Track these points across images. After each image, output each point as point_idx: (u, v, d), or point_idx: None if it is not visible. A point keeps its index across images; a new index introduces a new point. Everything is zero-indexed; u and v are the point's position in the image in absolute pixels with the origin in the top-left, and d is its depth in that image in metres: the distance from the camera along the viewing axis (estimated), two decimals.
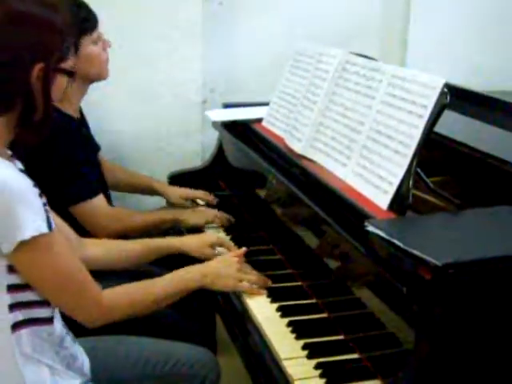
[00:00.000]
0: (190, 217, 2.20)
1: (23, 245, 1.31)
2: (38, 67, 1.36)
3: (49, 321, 1.44)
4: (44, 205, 1.37)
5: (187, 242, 1.93)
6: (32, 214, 1.31)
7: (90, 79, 2.14)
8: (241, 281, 1.74)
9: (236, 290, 1.75)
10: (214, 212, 2.25)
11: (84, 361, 1.58)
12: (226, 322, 1.83)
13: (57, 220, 1.57)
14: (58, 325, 1.49)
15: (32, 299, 1.40)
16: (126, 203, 2.71)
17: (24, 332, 1.39)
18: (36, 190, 1.36)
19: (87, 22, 2.08)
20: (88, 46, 2.08)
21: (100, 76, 2.17)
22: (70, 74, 1.46)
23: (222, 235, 2.14)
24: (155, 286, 1.63)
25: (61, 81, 1.44)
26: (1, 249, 1.32)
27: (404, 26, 3.17)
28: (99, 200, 2.05)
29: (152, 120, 2.88)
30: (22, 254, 1.32)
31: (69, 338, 1.53)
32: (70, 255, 1.44)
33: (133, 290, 1.60)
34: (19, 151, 1.48)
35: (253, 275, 1.78)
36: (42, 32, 1.37)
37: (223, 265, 1.77)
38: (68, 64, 1.45)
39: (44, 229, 1.33)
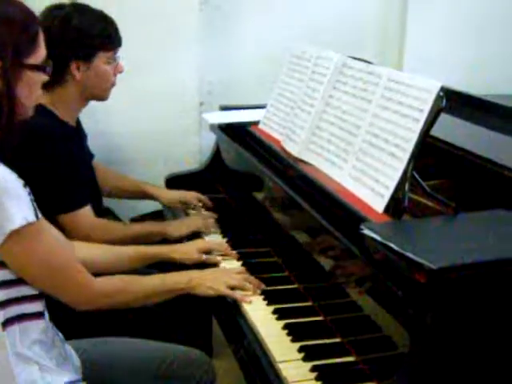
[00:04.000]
0: (176, 229, 2.16)
1: (13, 235, 1.32)
2: None
3: (40, 315, 1.45)
4: (29, 194, 1.37)
5: (176, 249, 1.93)
6: (19, 205, 1.32)
7: (90, 94, 2.12)
8: (231, 288, 1.72)
9: (220, 295, 1.72)
10: (200, 221, 2.22)
11: (74, 361, 1.58)
12: (221, 325, 1.84)
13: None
14: (48, 327, 1.49)
15: (22, 294, 1.41)
16: (122, 207, 2.71)
17: (15, 329, 1.40)
18: (20, 181, 1.36)
19: (108, 38, 2.07)
20: (101, 62, 2.07)
21: (100, 96, 2.15)
22: (42, 68, 1.44)
23: (218, 238, 2.15)
24: (144, 282, 1.66)
25: (32, 77, 1.42)
26: None
27: (401, 29, 3.17)
28: (86, 211, 2.03)
29: (149, 122, 2.88)
30: (12, 244, 1.33)
31: (58, 340, 1.53)
32: (57, 242, 1.47)
33: (124, 281, 1.63)
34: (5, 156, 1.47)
35: (241, 280, 1.76)
36: None
37: (213, 271, 1.80)
38: (38, 58, 1.43)
39: (31, 217, 1.34)
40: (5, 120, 1.38)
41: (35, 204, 1.38)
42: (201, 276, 1.74)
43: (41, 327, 1.45)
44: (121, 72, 2.17)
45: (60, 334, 1.56)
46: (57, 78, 1.95)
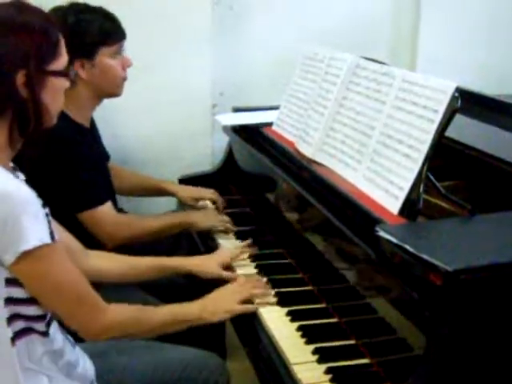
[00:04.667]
0: (201, 220, 2.19)
1: (26, 255, 1.30)
2: (20, 74, 1.34)
3: (44, 334, 1.43)
4: (47, 215, 1.36)
5: (195, 263, 1.89)
6: (35, 224, 1.31)
7: (102, 92, 2.11)
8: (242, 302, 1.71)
9: (236, 314, 1.70)
10: (220, 217, 2.25)
11: (86, 365, 1.56)
12: (235, 327, 1.83)
13: (61, 231, 1.57)
14: (57, 335, 1.48)
15: (28, 314, 1.38)
16: (133, 209, 2.72)
17: (22, 344, 1.38)
18: (39, 201, 1.35)
19: (108, 33, 2.05)
20: (104, 58, 2.05)
21: (112, 92, 2.13)
22: (65, 74, 1.44)
23: (232, 240, 2.15)
24: (157, 314, 1.62)
25: (55, 83, 1.41)
26: (2, 260, 1.31)
27: (414, 30, 3.16)
28: (107, 207, 2.03)
29: (162, 124, 2.88)
30: (24, 264, 1.31)
31: (68, 345, 1.52)
32: (71, 267, 1.42)
33: (137, 314, 1.58)
34: (24, 159, 1.47)
35: (249, 289, 1.75)
36: (14, 37, 1.34)
37: (219, 293, 1.75)
38: (60, 64, 1.42)
39: (47, 239, 1.33)
40: (32, 128, 1.37)
41: (52, 225, 1.37)
42: (211, 303, 1.70)
43: (49, 343, 1.43)
44: (129, 66, 2.14)
45: (69, 337, 1.55)
46: None
